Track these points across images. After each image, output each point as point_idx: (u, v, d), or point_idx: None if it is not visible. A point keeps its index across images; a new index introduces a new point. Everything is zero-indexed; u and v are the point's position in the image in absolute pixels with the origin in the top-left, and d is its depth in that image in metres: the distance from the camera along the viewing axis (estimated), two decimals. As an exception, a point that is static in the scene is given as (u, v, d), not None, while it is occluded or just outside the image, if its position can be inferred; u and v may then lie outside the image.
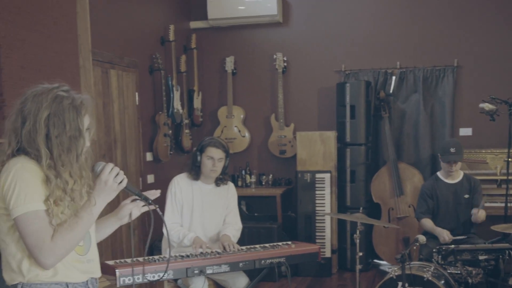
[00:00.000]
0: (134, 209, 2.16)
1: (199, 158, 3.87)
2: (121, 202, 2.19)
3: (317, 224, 6.04)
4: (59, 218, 1.89)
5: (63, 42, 4.02)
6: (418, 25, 6.29)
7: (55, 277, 1.93)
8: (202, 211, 3.93)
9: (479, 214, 4.44)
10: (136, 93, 5.52)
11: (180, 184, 3.93)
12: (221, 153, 3.87)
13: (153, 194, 2.19)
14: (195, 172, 3.92)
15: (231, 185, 4.11)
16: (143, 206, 2.16)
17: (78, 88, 4.24)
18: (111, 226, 2.21)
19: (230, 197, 4.07)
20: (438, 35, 6.23)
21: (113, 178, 1.96)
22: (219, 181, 3.98)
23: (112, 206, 2.19)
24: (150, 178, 5.78)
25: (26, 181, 1.83)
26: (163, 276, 3.17)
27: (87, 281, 2.05)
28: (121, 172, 1.98)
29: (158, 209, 2.15)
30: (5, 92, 3.44)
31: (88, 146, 2.01)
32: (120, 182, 1.98)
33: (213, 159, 3.84)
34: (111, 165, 1.98)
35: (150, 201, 2.12)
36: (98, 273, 2.13)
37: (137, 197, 2.10)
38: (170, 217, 3.86)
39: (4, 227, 1.90)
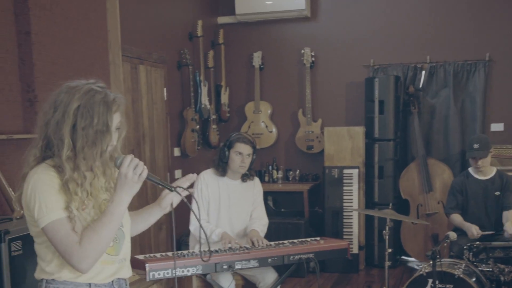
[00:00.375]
0: (175, 197, 2.14)
1: (227, 153, 3.87)
2: (149, 195, 2.18)
3: (344, 220, 6.00)
4: (83, 219, 1.89)
5: (93, 38, 4.06)
6: (449, 19, 6.18)
7: (79, 278, 1.92)
8: (229, 207, 3.93)
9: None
10: (164, 89, 5.55)
11: (207, 180, 3.93)
12: (249, 149, 3.87)
13: (190, 178, 2.16)
14: (222, 168, 3.92)
15: (256, 180, 4.11)
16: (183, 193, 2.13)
17: (108, 84, 4.28)
18: (154, 215, 2.19)
19: (256, 192, 4.07)
20: (470, 28, 6.12)
21: (132, 170, 1.89)
22: (245, 177, 3.98)
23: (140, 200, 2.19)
24: (178, 173, 5.82)
25: (44, 192, 1.83)
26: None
27: (112, 281, 2.01)
28: (141, 163, 1.92)
29: (184, 198, 2.11)
30: (37, 88, 3.49)
31: (115, 146, 1.97)
32: (141, 173, 1.92)
33: (242, 155, 3.84)
34: (129, 157, 1.91)
35: (173, 189, 2.07)
36: (127, 273, 2.09)
37: (160, 186, 2.06)
38: (197, 214, 3.85)
39: (33, 231, 1.93)
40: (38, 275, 1.97)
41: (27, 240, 2.67)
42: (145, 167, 1.93)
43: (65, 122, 1.84)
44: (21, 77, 3.45)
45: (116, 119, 1.94)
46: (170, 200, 2.14)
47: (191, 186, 2.18)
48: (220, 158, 3.91)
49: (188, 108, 5.87)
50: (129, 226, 2.10)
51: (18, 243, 2.65)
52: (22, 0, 3.43)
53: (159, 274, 3.08)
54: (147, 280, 3.08)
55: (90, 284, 1.94)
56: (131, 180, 1.89)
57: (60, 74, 3.69)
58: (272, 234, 5.31)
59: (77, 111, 1.85)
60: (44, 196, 1.82)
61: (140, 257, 3.23)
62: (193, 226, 3.83)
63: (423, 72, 6.20)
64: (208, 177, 3.94)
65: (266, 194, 6.32)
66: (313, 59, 6.56)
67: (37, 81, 3.48)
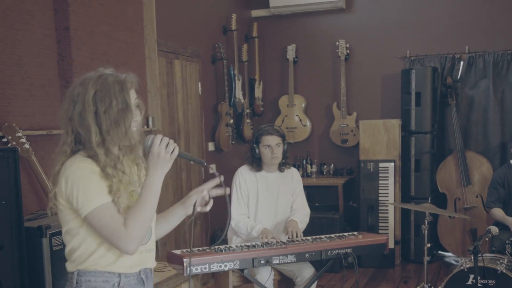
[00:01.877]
0: (199, 198, 2.16)
1: (257, 150, 3.85)
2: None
3: (380, 215, 5.93)
4: (123, 200, 1.92)
5: (130, 33, 4.09)
6: (488, 7, 6.03)
7: (110, 266, 1.95)
8: (268, 201, 3.91)
9: None
10: (199, 83, 5.55)
11: (244, 175, 3.91)
12: (277, 139, 3.83)
13: (216, 181, 2.17)
14: (257, 164, 3.90)
15: (294, 170, 4.08)
16: (204, 206, 2.17)
17: (144, 79, 4.30)
18: (177, 216, 2.19)
19: (295, 182, 4.03)
20: (510, 16, 5.95)
21: (164, 149, 1.93)
22: (282, 166, 3.95)
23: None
24: (212, 168, 5.82)
25: (85, 180, 1.86)
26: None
27: (139, 271, 2.04)
28: (171, 141, 1.96)
29: (219, 176, 2.12)
30: (76, 83, 3.52)
31: (139, 121, 2.01)
32: (173, 151, 1.95)
33: (271, 147, 3.81)
34: (159, 136, 1.95)
35: (205, 163, 2.10)
36: (153, 263, 2.13)
37: (192, 162, 2.08)
38: (237, 209, 3.85)
39: (69, 222, 1.94)
40: (70, 267, 1.98)
41: (69, 235, 2.71)
42: (176, 145, 1.97)
43: (87, 111, 1.88)
44: (60, 73, 3.49)
45: (133, 96, 1.98)
46: (194, 199, 2.16)
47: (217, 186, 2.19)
48: (252, 155, 3.90)
49: (222, 102, 5.87)
50: (154, 220, 2.11)
51: (58, 237, 2.68)
52: (61, -4, 3.46)
53: (196, 269, 3.08)
54: (185, 275, 3.07)
55: (120, 274, 1.97)
56: (163, 159, 1.94)
57: (97, 69, 3.72)
58: (307, 228, 5.23)
59: (95, 97, 1.89)
60: (86, 184, 1.86)
61: (177, 252, 3.22)
62: (234, 221, 3.83)
63: (462, 62, 6.07)
64: (245, 172, 3.93)
65: (300, 188, 6.31)
66: (348, 51, 6.48)
67: (75, 77, 3.51)
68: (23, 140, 2.99)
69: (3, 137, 2.96)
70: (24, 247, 2.53)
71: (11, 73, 3.13)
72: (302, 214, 3.92)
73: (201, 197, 2.18)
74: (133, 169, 2.07)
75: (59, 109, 2.00)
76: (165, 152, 1.93)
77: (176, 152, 1.96)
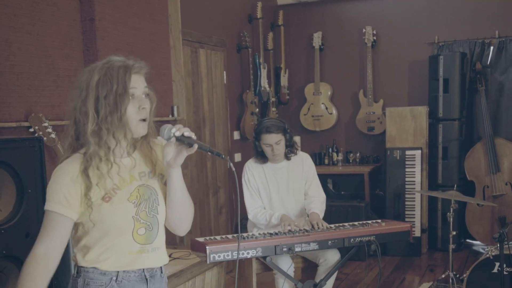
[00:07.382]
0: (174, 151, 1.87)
1: (258, 146, 3.84)
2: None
3: (406, 203, 5.89)
4: (103, 212, 1.81)
5: (155, 23, 4.13)
6: (519, -8, 5.90)
7: (107, 265, 1.88)
8: (279, 190, 3.90)
9: None
10: (224, 72, 5.58)
11: (252, 169, 3.90)
12: (276, 137, 3.75)
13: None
14: (261, 156, 3.88)
15: (304, 155, 4.00)
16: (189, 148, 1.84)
17: (169, 68, 4.34)
18: (171, 186, 1.90)
19: (306, 167, 3.96)
20: (541, 2, 5.82)
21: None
22: (288, 155, 3.90)
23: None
24: (238, 157, 5.86)
25: (57, 182, 1.79)
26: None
27: (143, 269, 1.92)
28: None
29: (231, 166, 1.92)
30: (101, 74, 3.58)
31: (147, 110, 1.84)
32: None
33: (271, 145, 3.77)
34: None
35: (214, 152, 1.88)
36: (161, 262, 1.98)
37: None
38: (252, 203, 3.85)
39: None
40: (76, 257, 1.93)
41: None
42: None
43: (88, 96, 1.78)
44: (85, 64, 3.55)
45: (142, 83, 1.85)
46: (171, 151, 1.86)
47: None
48: (255, 150, 3.88)
49: (247, 91, 5.89)
50: (163, 214, 1.95)
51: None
52: (86, -12, 3.52)
53: (219, 256, 3.12)
54: (208, 262, 3.12)
55: (118, 271, 1.87)
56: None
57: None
58: (333, 217, 5.29)
59: (99, 82, 1.78)
60: (55, 186, 1.79)
61: (201, 239, 3.28)
62: (251, 214, 3.85)
63: (491, 47, 5.96)
64: (252, 166, 3.91)
65: (326, 177, 6.32)
66: (374, 38, 6.42)
67: (100, 67, 3.57)
68: (50, 130, 3.06)
69: (30, 127, 3.04)
70: (50, 234, 2.59)
71: (38, 64, 3.20)
72: (319, 202, 3.88)
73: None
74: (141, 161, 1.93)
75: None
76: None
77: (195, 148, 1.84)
